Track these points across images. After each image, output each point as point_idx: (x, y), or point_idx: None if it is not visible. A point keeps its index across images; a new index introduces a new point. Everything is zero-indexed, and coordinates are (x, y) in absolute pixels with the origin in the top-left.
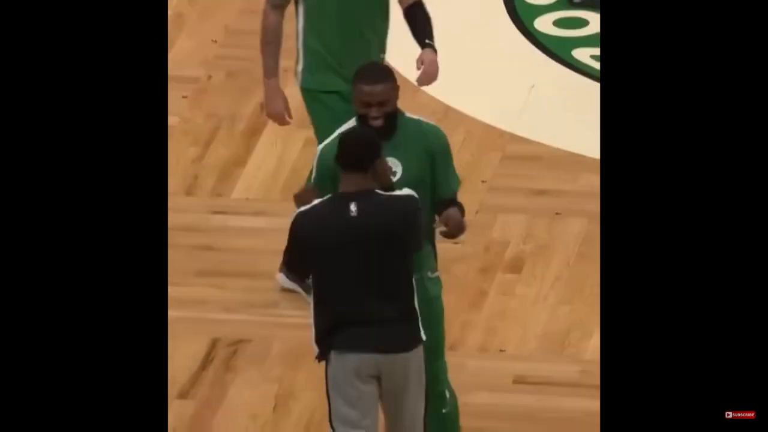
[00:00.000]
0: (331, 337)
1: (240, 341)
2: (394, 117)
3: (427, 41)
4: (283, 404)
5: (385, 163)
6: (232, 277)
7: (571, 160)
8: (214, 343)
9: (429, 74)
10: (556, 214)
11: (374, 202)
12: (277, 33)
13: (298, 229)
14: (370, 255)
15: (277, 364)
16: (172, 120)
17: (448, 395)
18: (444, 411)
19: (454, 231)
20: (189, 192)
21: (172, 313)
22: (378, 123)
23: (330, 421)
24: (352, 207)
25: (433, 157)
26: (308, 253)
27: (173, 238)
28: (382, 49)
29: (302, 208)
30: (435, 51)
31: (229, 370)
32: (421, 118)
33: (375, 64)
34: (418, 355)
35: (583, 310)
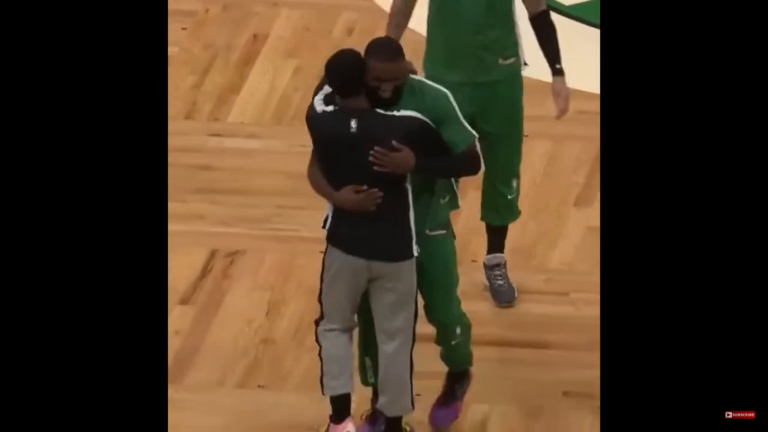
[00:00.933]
0: (331, 230)
1: (236, 252)
2: (401, 87)
3: (557, 66)
4: (275, 310)
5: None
6: (229, 194)
7: (538, 88)
8: (212, 254)
9: (565, 110)
10: (525, 136)
11: (374, 121)
12: (403, 12)
13: (316, 126)
14: (367, 170)
15: (270, 273)
16: (173, 50)
17: (459, 331)
18: (453, 343)
19: (384, 161)
20: (188, 116)
21: (174, 227)
22: (386, 95)
23: (319, 299)
24: (353, 123)
25: (433, 119)
26: (322, 150)
27: (174, 158)
28: (504, 54)
29: (313, 112)
30: (564, 75)
31: (226, 278)
32: (425, 81)
33: (388, 40)
34: (406, 268)
35: (548, 224)
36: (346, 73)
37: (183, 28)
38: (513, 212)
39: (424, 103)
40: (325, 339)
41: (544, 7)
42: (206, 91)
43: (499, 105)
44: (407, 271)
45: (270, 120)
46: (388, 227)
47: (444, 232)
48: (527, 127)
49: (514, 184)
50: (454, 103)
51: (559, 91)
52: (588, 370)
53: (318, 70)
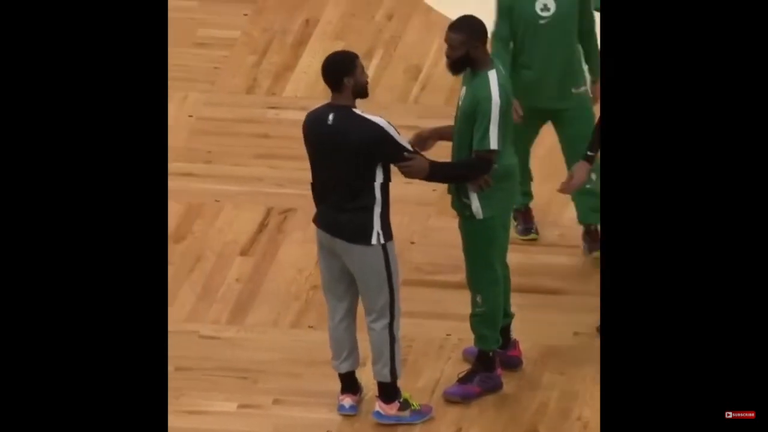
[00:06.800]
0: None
1: (289, 210)
2: (463, 61)
3: (589, 153)
4: None
5: (364, 75)
6: (284, 159)
7: None
8: (268, 212)
9: (572, 187)
10: None
11: (346, 118)
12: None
13: (303, 124)
14: (336, 158)
15: (315, 228)
16: (235, 33)
17: (479, 299)
18: (475, 310)
19: (404, 172)
20: (249, 91)
21: (236, 188)
22: (447, 61)
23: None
24: (330, 116)
25: (474, 107)
26: (305, 143)
27: (237, 128)
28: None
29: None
30: (590, 163)
31: (280, 232)
32: (490, 77)
33: (467, 17)
34: (360, 251)
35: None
36: (328, 71)
37: (245, 14)
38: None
39: (474, 94)
40: (329, 320)
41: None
42: (265, 69)
43: None
44: (363, 254)
45: (320, 94)
46: (352, 215)
47: (469, 210)
48: None
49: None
50: (494, 110)
51: (575, 173)
52: (596, 314)
53: (362, 51)
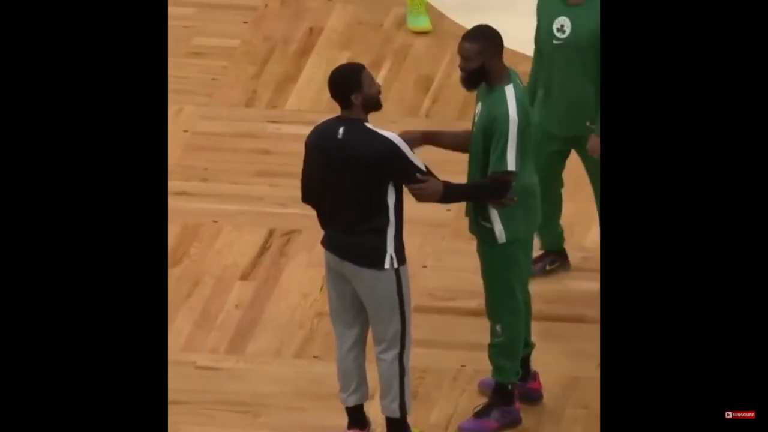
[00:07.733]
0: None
1: (292, 231)
2: (478, 74)
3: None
4: None
5: (373, 88)
6: (286, 177)
7: None
8: (270, 233)
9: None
10: None
11: (358, 132)
12: None
13: (307, 139)
14: (345, 172)
15: (323, 250)
16: (234, 42)
17: (498, 329)
18: (494, 341)
19: (416, 195)
20: (249, 104)
21: (235, 208)
22: (461, 75)
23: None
24: (340, 130)
25: (491, 125)
26: (308, 160)
27: (236, 143)
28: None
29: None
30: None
31: (283, 255)
32: (507, 93)
33: (483, 26)
34: (371, 275)
35: (584, 206)
36: (333, 89)
37: (244, 22)
38: None
39: (490, 111)
40: (337, 349)
41: None
42: (265, 81)
43: None
44: (374, 279)
45: (325, 108)
46: (362, 237)
47: (490, 234)
48: None
49: None
50: (512, 129)
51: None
52: None
53: (369, 61)
